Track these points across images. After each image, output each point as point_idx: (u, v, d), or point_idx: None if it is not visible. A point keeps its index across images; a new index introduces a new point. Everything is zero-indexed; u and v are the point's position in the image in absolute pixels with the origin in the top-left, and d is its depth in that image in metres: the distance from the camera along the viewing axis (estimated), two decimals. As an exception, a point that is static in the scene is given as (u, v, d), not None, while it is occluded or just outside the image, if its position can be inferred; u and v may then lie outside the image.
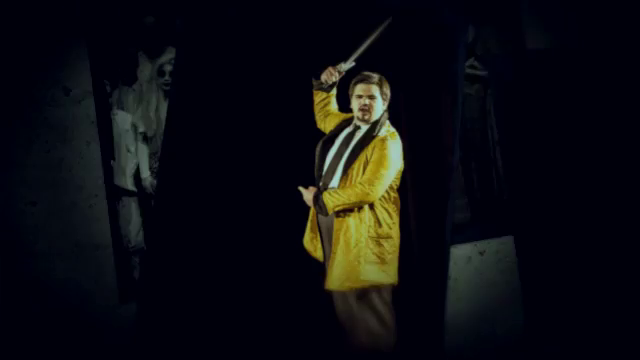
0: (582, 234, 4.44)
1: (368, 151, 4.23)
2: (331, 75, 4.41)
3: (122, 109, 4.44)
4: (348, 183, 4.21)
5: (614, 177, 4.44)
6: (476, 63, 4.76)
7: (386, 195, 4.24)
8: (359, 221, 4.20)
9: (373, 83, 4.30)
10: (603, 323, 4.34)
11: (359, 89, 4.30)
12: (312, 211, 4.29)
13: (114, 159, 4.42)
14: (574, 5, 4.54)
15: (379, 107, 4.31)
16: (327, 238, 4.27)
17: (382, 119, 4.31)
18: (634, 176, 4.42)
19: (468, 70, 4.65)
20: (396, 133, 4.32)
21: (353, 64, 4.42)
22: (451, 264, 4.46)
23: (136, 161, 4.45)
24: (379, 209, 4.23)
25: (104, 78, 4.40)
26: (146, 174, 4.47)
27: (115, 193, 4.41)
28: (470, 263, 4.54)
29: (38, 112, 4.17)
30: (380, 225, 4.23)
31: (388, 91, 4.32)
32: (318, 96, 4.46)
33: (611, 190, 4.46)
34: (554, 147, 4.47)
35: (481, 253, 4.54)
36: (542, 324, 4.34)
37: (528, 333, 4.39)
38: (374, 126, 4.29)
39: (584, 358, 4.36)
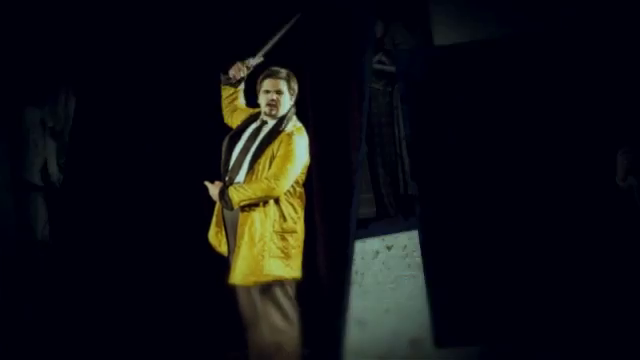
0: (488, 229, 4.47)
1: (274, 146, 4.24)
2: (239, 70, 4.42)
3: (31, 104, 4.42)
4: (254, 178, 4.21)
5: (521, 173, 4.48)
6: (384, 58, 4.78)
7: (291, 190, 4.25)
8: (264, 216, 4.20)
9: (281, 78, 4.31)
10: (509, 319, 4.37)
11: (267, 84, 4.32)
12: (217, 205, 4.29)
13: (22, 154, 4.40)
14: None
15: (286, 102, 4.32)
16: (232, 232, 4.27)
17: (289, 114, 4.32)
18: (543, 173, 4.46)
19: (376, 65, 4.67)
20: (303, 128, 4.33)
21: (262, 59, 4.43)
22: (358, 258, 4.48)
23: (44, 156, 4.43)
24: (284, 204, 4.24)
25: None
26: (53, 169, 4.45)
27: (22, 187, 4.39)
28: (377, 258, 4.55)
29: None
30: (285, 220, 4.23)
31: (295, 86, 4.34)
32: (226, 91, 4.48)
33: (518, 186, 4.49)
34: (460, 143, 4.50)
35: (388, 248, 4.56)
36: (447, 319, 4.35)
37: (433, 328, 4.39)
38: (281, 121, 4.30)
39: (491, 353, 4.38)
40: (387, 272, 4.52)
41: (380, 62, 4.76)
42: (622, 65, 4.33)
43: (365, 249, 4.53)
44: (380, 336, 4.42)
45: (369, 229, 4.57)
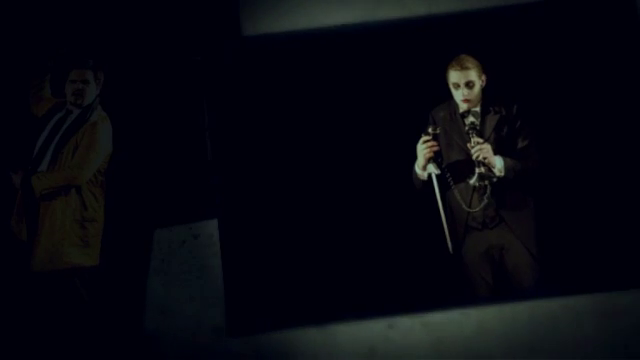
0: (286, 222, 4.55)
1: (79, 136, 4.31)
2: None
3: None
4: (57, 167, 4.25)
5: (323, 169, 4.57)
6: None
7: (94, 179, 4.30)
8: (65, 204, 4.26)
9: (87, 68, 4.35)
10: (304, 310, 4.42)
11: (73, 74, 4.36)
12: (19, 194, 4.31)
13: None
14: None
15: (92, 91, 4.36)
16: (33, 221, 4.29)
17: (94, 104, 4.38)
18: (343, 167, 4.56)
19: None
20: (107, 117, 4.38)
21: None
22: (165, 247, 4.51)
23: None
24: (86, 192, 4.29)
25: None
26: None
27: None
28: (184, 246, 4.58)
29: None
30: (86, 208, 4.28)
31: (102, 76, 4.38)
32: (33, 81, 4.50)
33: (319, 181, 4.57)
34: (263, 134, 4.57)
35: (195, 237, 4.59)
36: (239, 309, 4.39)
37: (226, 318, 4.42)
38: (86, 110, 4.35)
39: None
40: (193, 260, 4.56)
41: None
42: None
43: (171, 238, 4.57)
44: (182, 324, 4.45)
45: (176, 217, 4.59)
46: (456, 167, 4.21)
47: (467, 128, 4.19)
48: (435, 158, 4.21)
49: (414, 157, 4.23)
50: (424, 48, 4.43)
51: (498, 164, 4.13)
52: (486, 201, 4.15)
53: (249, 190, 4.41)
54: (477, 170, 4.14)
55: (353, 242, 4.47)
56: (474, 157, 4.13)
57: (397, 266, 4.45)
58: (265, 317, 4.24)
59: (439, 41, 4.38)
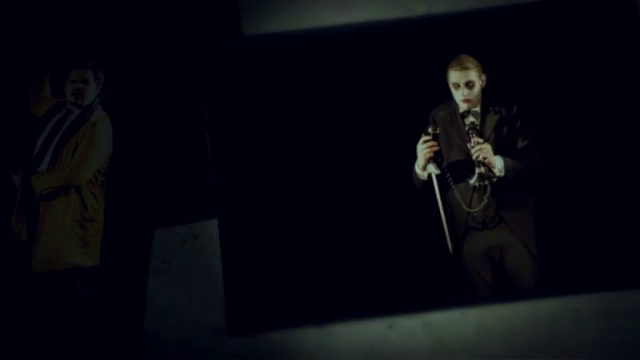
0: (287, 222, 4.55)
1: (79, 136, 4.31)
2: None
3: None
4: (57, 167, 4.25)
5: (324, 170, 4.57)
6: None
7: (93, 179, 4.30)
8: (65, 204, 4.26)
9: (87, 68, 4.35)
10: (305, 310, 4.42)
11: (73, 74, 4.36)
12: (19, 194, 4.31)
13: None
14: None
15: (92, 91, 4.36)
16: (33, 221, 4.29)
17: (94, 104, 4.38)
18: (346, 169, 4.55)
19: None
20: (107, 117, 4.38)
21: None
22: (165, 247, 4.51)
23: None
24: (86, 192, 4.29)
25: None
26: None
27: None
28: (184, 246, 4.58)
29: None
30: (86, 208, 4.28)
31: (102, 76, 4.38)
32: (33, 81, 4.50)
33: (320, 180, 4.57)
34: (264, 133, 4.57)
35: (195, 237, 4.59)
36: (239, 309, 4.38)
37: (226, 318, 4.42)
38: (86, 111, 4.35)
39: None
40: (193, 260, 4.56)
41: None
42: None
43: (171, 237, 4.56)
44: (183, 325, 4.45)
45: (177, 217, 4.59)
46: (456, 167, 4.20)
47: (467, 128, 4.19)
48: (435, 158, 4.20)
49: (414, 157, 4.23)
50: (424, 48, 4.43)
51: (498, 164, 4.13)
52: (486, 201, 4.15)
53: (249, 190, 4.40)
54: (477, 170, 4.14)
55: (353, 242, 4.47)
56: (474, 157, 4.13)
57: (397, 266, 4.45)
58: (265, 317, 4.24)
59: (439, 41, 4.37)
